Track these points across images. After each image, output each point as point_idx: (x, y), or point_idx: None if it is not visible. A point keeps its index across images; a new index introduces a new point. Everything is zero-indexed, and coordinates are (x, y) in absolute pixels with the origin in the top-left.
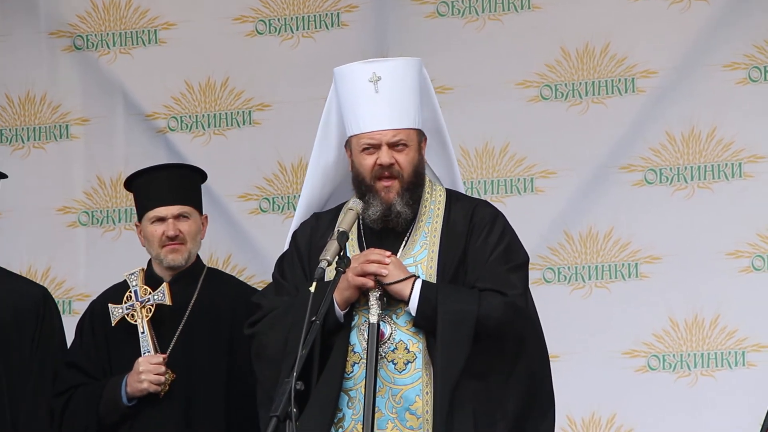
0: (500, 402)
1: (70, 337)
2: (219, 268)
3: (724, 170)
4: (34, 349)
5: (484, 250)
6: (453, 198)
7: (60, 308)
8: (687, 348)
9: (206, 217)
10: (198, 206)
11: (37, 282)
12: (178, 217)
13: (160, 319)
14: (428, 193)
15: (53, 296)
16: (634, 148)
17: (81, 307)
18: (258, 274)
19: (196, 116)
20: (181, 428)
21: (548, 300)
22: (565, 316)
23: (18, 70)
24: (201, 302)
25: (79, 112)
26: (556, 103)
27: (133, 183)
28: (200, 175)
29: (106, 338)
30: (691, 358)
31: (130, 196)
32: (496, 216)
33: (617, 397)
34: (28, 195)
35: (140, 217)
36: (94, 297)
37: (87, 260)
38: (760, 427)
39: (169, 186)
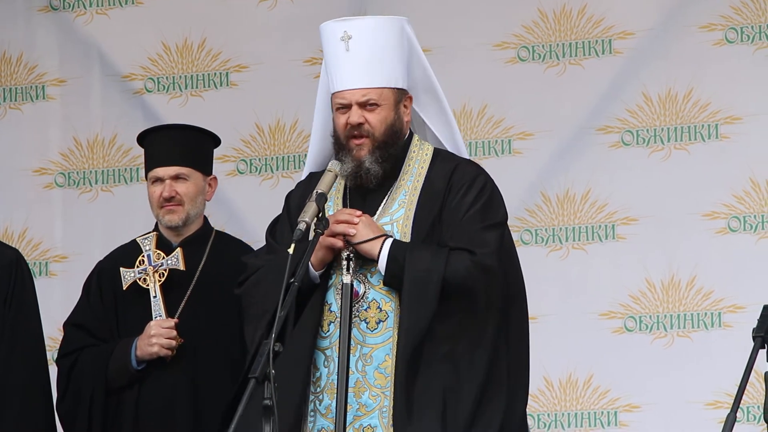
0: (472, 365)
1: (45, 298)
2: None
3: (701, 132)
4: (6, 312)
5: (460, 208)
6: (439, 157)
7: (36, 270)
8: (663, 309)
9: (215, 178)
10: (200, 168)
11: (13, 244)
12: (175, 177)
13: (169, 284)
14: (414, 151)
15: (30, 258)
16: (611, 109)
17: (57, 268)
18: (235, 235)
19: (173, 77)
20: (188, 393)
21: (525, 262)
22: (542, 277)
23: None
24: (210, 267)
25: (56, 73)
26: (534, 64)
27: (142, 142)
28: (209, 137)
29: (115, 300)
30: (668, 320)
31: (107, 157)
32: (477, 174)
33: (594, 358)
34: (3, 156)
35: (146, 177)
36: (71, 258)
37: (63, 222)
38: (736, 389)
39: (168, 147)
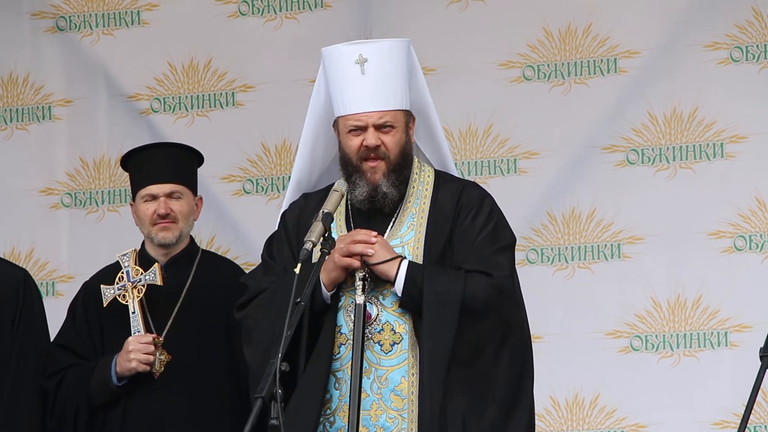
0: (490, 385)
1: (52, 318)
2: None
3: (706, 150)
4: (15, 331)
5: (471, 231)
6: (441, 179)
7: (43, 290)
8: (670, 328)
9: (201, 198)
10: (192, 186)
11: (20, 264)
12: (170, 195)
13: (156, 302)
14: (416, 174)
15: (37, 278)
16: (617, 128)
17: (64, 288)
18: (241, 255)
19: (179, 97)
20: (176, 410)
21: (531, 281)
22: (548, 296)
23: (0, 51)
24: (196, 285)
25: (62, 94)
26: (539, 83)
27: (128, 161)
28: (196, 156)
29: (99, 319)
30: (674, 339)
31: (114, 177)
32: (484, 197)
33: (600, 377)
34: (10, 176)
35: (134, 196)
36: (78, 279)
37: (70, 242)
38: (744, 408)
39: (162, 164)
